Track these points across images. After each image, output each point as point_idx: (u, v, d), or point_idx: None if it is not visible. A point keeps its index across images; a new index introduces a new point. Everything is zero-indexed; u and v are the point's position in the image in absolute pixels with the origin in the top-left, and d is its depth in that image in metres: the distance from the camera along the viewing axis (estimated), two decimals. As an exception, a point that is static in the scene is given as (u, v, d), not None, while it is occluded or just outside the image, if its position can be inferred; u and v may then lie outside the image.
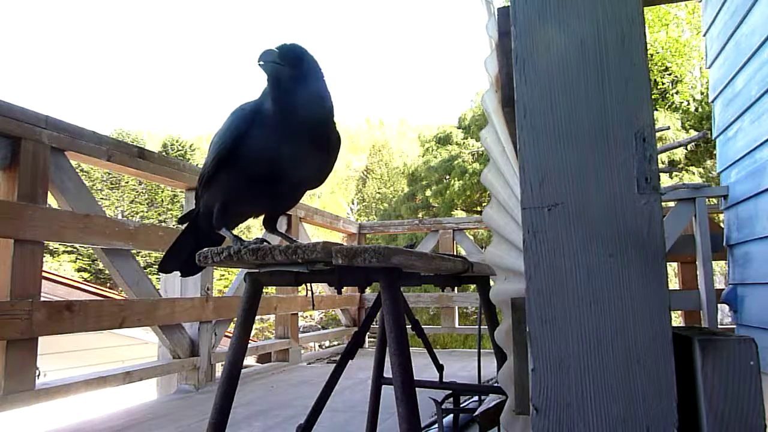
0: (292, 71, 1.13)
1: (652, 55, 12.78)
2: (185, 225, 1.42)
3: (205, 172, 1.23)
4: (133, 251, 2.68)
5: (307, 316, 16.27)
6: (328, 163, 1.27)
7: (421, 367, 1.74)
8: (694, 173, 13.58)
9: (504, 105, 1.11)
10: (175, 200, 24.33)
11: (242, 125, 1.14)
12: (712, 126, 3.40)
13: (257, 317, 1.48)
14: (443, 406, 1.73)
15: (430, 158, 19.10)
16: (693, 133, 13.04)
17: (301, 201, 1.42)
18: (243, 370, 1.38)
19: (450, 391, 1.87)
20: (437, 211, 17.81)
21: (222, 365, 1.25)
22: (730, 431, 0.66)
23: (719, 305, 3.23)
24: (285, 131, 1.12)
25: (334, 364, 1.41)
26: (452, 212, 16.63)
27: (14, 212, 2.00)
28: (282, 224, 3.91)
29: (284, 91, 1.13)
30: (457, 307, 4.90)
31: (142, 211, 24.00)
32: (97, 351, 6.23)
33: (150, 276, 3.07)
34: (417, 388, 0.98)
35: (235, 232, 1.23)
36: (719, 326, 3.67)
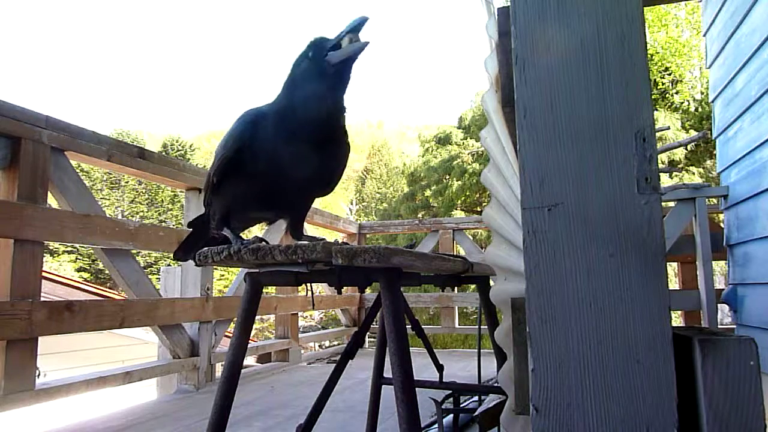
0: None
1: (652, 55, 12.78)
2: (195, 226, 1.42)
3: (210, 182, 1.19)
4: (133, 251, 2.68)
5: (307, 316, 16.27)
6: (337, 168, 1.22)
7: (421, 367, 1.74)
8: (694, 173, 13.58)
9: (504, 105, 1.11)
10: (175, 200, 24.34)
11: (245, 132, 1.10)
12: (712, 126, 3.40)
13: (257, 317, 1.48)
14: (443, 406, 1.73)
15: (429, 158, 19.10)
16: (693, 133, 13.04)
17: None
18: (243, 370, 1.38)
19: (450, 391, 1.87)
20: (437, 211, 17.80)
21: (222, 365, 1.25)
22: (730, 431, 0.66)
23: (719, 305, 3.23)
24: (291, 133, 1.09)
25: (334, 364, 1.41)
26: (452, 212, 16.62)
27: (14, 212, 2.00)
28: (282, 225, 3.91)
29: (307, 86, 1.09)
30: (457, 307, 4.90)
31: (142, 211, 24.01)
32: (97, 351, 6.23)
33: (150, 276, 3.06)
34: (417, 388, 0.98)
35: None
36: (719, 326, 3.67)
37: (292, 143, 1.09)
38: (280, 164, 1.10)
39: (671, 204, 3.26)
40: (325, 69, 1.08)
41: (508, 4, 0.81)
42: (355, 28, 1.06)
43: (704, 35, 3.45)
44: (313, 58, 1.09)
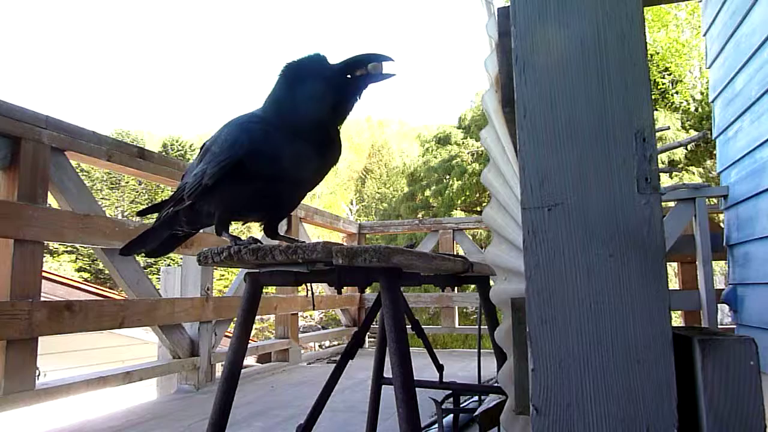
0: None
1: (652, 55, 12.79)
2: (159, 218, 1.36)
3: (203, 183, 1.16)
4: (133, 251, 2.67)
5: (307, 316, 16.26)
6: (332, 165, 1.25)
7: (421, 367, 1.74)
8: (694, 173, 13.58)
9: (504, 105, 1.11)
10: (175, 200, 24.28)
11: (248, 138, 1.12)
12: (712, 126, 3.40)
13: (257, 317, 1.48)
14: (443, 406, 1.73)
15: (429, 158, 19.10)
16: (693, 133, 13.04)
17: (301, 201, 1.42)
18: (243, 370, 1.38)
19: (450, 391, 1.87)
20: (437, 211, 17.80)
21: (222, 365, 1.25)
22: (730, 431, 0.66)
23: (719, 305, 3.23)
24: (293, 140, 1.12)
25: (334, 364, 1.41)
26: (452, 212, 16.62)
27: (14, 212, 2.00)
28: (282, 224, 3.92)
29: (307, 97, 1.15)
30: (457, 307, 4.90)
31: (142, 211, 23.95)
32: (97, 351, 6.23)
33: (150, 276, 3.06)
34: (417, 388, 0.98)
35: (236, 232, 1.24)
36: (719, 326, 3.67)
37: (296, 146, 1.13)
38: (284, 167, 1.13)
39: (671, 204, 3.26)
40: (342, 83, 1.16)
41: (508, 4, 0.81)
42: (381, 60, 1.17)
43: (704, 35, 3.45)
44: (339, 71, 1.17)
